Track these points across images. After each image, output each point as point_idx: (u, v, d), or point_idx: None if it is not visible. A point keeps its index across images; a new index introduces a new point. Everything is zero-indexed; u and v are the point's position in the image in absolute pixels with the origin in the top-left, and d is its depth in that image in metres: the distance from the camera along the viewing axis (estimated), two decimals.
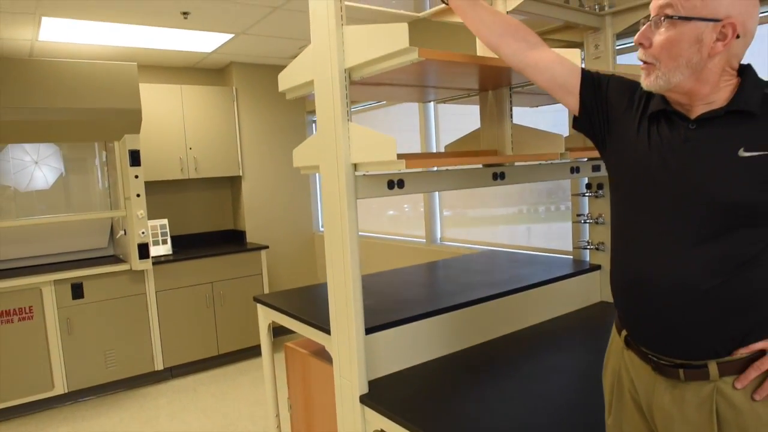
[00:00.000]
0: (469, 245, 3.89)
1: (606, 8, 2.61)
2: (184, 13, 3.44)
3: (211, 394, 4.06)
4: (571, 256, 3.05)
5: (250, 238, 5.11)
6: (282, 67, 1.91)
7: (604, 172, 2.62)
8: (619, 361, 1.32)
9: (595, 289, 2.79)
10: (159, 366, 4.27)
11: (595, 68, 2.67)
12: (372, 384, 1.86)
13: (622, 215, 1.29)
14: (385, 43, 1.49)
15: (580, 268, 2.78)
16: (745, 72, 1.15)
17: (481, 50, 2.25)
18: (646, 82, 1.18)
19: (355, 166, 1.72)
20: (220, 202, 5.32)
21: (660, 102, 1.21)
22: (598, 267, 2.78)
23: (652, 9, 1.16)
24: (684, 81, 1.13)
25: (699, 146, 1.14)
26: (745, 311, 1.10)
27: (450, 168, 2.01)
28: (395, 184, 1.83)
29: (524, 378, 1.89)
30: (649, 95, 1.25)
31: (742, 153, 1.08)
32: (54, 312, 3.86)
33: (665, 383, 1.18)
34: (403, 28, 1.43)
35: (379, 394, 1.80)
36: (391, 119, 4.52)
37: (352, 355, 1.78)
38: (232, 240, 5.25)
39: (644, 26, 1.16)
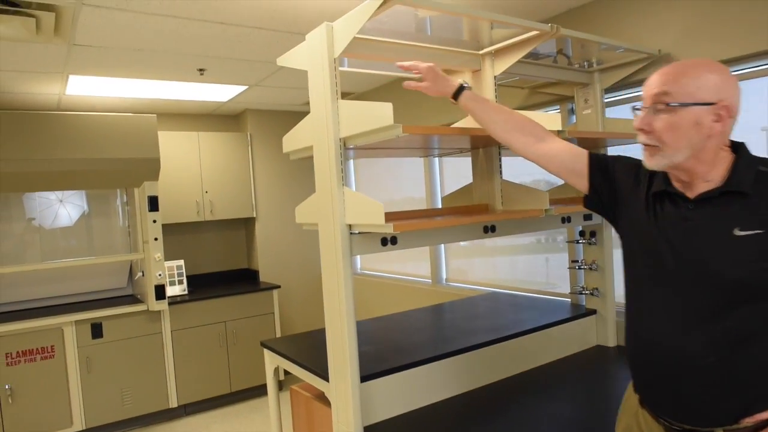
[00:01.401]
0: (473, 286, 3.99)
1: (594, 65, 2.76)
2: (201, 70, 3.67)
3: (224, 431, 4.17)
4: (569, 300, 3.14)
5: (263, 277, 5.26)
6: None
7: (596, 220, 2.73)
8: (632, 418, 1.39)
9: (592, 333, 2.86)
10: (173, 403, 4.40)
11: (585, 122, 2.81)
12: (368, 429, 1.97)
13: (633, 285, 1.38)
14: (374, 119, 1.65)
15: (577, 313, 2.86)
16: (739, 150, 1.26)
17: None
18: (651, 163, 1.27)
19: (350, 226, 1.86)
20: (235, 242, 5.50)
21: (662, 182, 1.31)
22: (593, 312, 2.86)
23: (647, 97, 1.25)
24: (685, 161, 1.23)
25: (697, 225, 1.23)
26: (747, 385, 1.17)
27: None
28: (389, 241, 1.97)
29: (517, 425, 1.97)
30: (653, 172, 1.34)
31: (737, 232, 1.17)
32: (74, 351, 4.02)
33: None
34: (388, 107, 1.58)
35: None
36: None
37: (348, 402, 1.89)
38: (246, 279, 5.41)
39: (642, 113, 1.25)
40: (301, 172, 5.44)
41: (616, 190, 1.44)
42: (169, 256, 4.76)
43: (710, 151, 1.22)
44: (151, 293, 4.15)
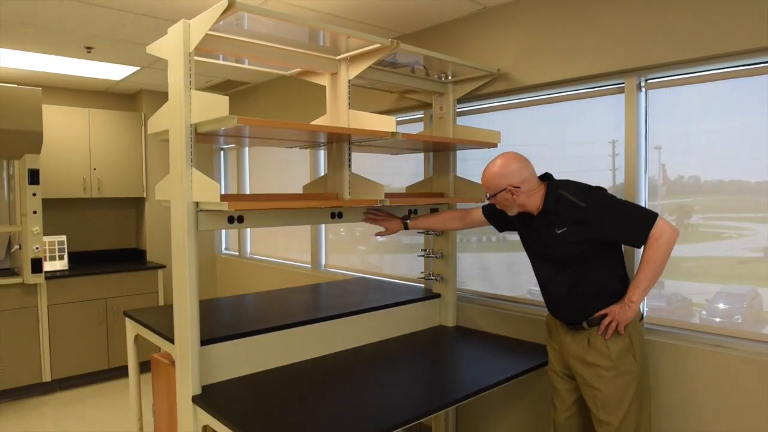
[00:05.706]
0: (349, 272, 4.28)
1: (449, 77, 3.11)
2: (88, 48, 3.72)
3: (97, 405, 4.23)
4: (423, 285, 3.48)
5: (151, 257, 5.31)
6: None
7: None
8: (550, 321, 2.44)
9: (435, 314, 3.22)
10: (47, 377, 4.40)
11: (440, 127, 3.14)
12: (207, 387, 2.19)
13: (531, 259, 2.43)
14: (214, 109, 1.88)
15: (425, 295, 3.20)
16: (549, 181, 2.27)
17: (330, 109, 2.69)
18: (509, 214, 2.36)
19: (197, 204, 2.08)
20: (123, 221, 5.51)
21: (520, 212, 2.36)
22: (438, 295, 3.22)
23: None
24: (518, 209, 2.29)
25: (539, 230, 2.27)
26: (588, 301, 2.20)
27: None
28: (235, 219, 2.21)
29: (362, 384, 2.27)
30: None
31: (557, 231, 2.18)
32: None
33: (566, 329, 2.32)
34: (224, 100, 1.82)
35: (211, 396, 2.12)
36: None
37: (187, 360, 2.11)
38: (132, 258, 5.44)
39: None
40: (197, 155, 5.49)
41: (506, 220, 2.50)
42: (51, 231, 4.73)
43: (526, 199, 2.24)
44: (27, 266, 4.14)
